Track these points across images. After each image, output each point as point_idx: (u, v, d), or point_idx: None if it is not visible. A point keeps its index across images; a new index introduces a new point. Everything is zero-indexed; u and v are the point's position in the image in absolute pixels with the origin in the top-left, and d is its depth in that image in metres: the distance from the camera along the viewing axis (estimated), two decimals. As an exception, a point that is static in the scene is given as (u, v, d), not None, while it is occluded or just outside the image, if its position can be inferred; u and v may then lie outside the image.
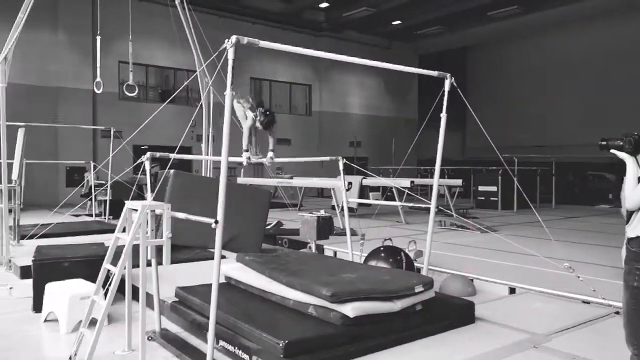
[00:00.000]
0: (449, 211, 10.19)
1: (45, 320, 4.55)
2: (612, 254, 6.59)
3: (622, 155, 2.66)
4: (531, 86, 23.85)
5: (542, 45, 23.54)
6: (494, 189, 14.48)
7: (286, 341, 3.19)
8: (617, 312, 4.36)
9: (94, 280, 4.27)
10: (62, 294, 4.35)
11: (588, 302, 4.81)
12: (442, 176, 15.51)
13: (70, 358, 3.51)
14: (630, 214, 2.63)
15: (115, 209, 10.97)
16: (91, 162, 12.75)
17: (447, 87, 4.75)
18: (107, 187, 10.97)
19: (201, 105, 7.95)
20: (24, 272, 6.04)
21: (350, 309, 3.54)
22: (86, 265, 5.05)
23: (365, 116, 25.50)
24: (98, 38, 9.84)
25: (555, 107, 22.54)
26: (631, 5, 19.56)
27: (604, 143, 2.75)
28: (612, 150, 2.71)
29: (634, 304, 2.57)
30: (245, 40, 3.06)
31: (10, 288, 5.53)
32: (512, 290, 5.37)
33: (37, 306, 4.79)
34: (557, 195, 15.45)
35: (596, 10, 20.56)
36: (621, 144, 2.66)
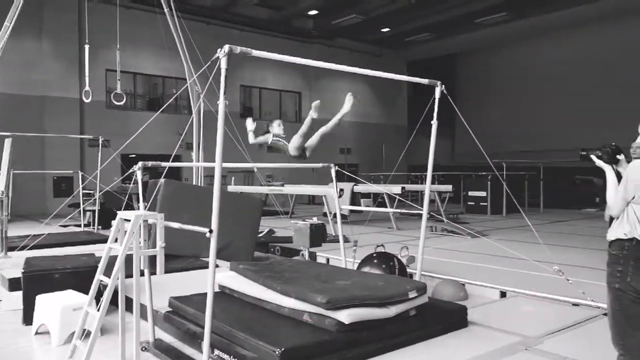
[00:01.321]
0: (439, 217, 10.24)
1: (36, 333, 4.49)
2: (599, 256, 6.58)
3: (601, 164, 2.79)
4: (518, 92, 24.07)
5: (530, 52, 23.79)
6: (483, 194, 14.58)
7: (282, 349, 3.20)
8: (606, 314, 4.41)
9: (84, 292, 4.24)
10: (54, 305, 4.30)
11: (577, 305, 4.87)
12: (432, 182, 15.59)
13: (63, 370, 3.48)
14: (612, 219, 2.73)
15: (104, 219, 10.87)
16: (79, 171, 12.63)
17: (437, 95, 4.79)
18: (96, 197, 10.85)
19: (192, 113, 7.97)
20: (13, 284, 5.96)
21: (346, 316, 3.55)
22: (77, 277, 5.00)
23: (355, 123, 25.56)
24: (86, 46, 9.72)
25: (543, 112, 22.76)
26: (618, 13, 19.80)
27: (584, 153, 2.89)
28: (593, 159, 2.83)
29: (618, 305, 2.64)
30: (238, 49, 3.05)
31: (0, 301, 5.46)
32: (503, 294, 5.42)
33: (28, 318, 4.73)
34: (544, 199, 15.60)
35: (583, 16, 20.77)
36: (599, 154, 2.80)
